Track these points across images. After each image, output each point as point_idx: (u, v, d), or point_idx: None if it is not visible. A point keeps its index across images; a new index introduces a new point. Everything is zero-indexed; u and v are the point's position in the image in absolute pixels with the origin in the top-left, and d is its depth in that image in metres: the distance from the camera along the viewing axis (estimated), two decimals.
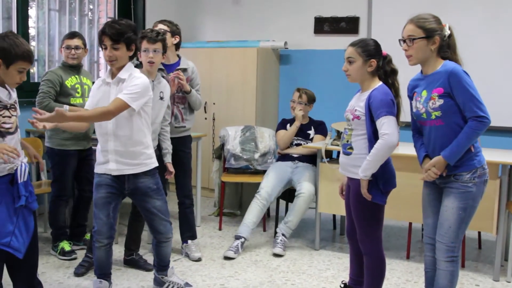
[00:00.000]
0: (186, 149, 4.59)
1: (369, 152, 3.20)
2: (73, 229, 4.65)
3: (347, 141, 3.35)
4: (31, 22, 5.64)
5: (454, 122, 3.03)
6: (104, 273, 3.61)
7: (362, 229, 3.36)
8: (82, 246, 4.63)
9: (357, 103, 3.31)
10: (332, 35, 6.53)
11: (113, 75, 3.43)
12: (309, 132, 5.28)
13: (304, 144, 5.16)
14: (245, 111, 6.43)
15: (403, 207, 4.34)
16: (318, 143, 4.93)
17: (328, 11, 6.54)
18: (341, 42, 6.44)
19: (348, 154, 3.35)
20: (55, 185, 4.49)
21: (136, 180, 3.48)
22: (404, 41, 3.12)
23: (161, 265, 3.81)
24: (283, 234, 4.76)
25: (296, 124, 5.20)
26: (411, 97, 3.26)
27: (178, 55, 4.55)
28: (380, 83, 3.29)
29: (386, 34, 5.99)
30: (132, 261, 4.30)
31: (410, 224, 4.70)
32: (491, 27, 5.60)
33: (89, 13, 6.48)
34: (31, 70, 5.60)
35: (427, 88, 3.10)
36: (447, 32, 3.08)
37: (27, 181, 3.02)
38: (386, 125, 3.14)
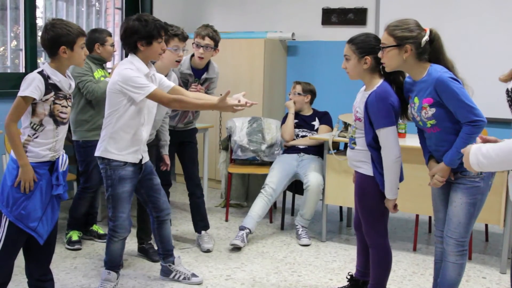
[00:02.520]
0: (194, 140, 4.64)
1: (369, 148, 3.21)
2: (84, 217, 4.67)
3: (352, 136, 3.36)
4: (39, 12, 5.64)
5: (451, 126, 2.98)
6: (114, 265, 3.63)
7: (367, 222, 3.36)
8: (89, 236, 4.67)
9: (359, 104, 3.27)
10: (340, 27, 6.50)
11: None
12: (313, 123, 5.28)
13: (310, 135, 5.16)
14: None
15: (410, 199, 4.33)
16: (325, 134, 4.92)
17: (336, 2, 6.50)
18: (349, 34, 6.37)
19: (352, 148, 3.36)
20: (82, 178, 4.51)
21: (146, 162, 3.61)
22: (381, 48, 3.05)
23: (166, 250, 3.85)
24: (302, 226, 4.81)
25: (291, 111, 5.25)
26: (407, 98, 3.20)
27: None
28: (381, 80, 3.20)
29: None
30: (143, 250, 4.34)
31: (417, 216, 4.68)
32: (501, 20, 5.57)
33: (97, 3, 6.47)
34: (39, 61, 5.60)
35: (418, 95, 3.03)
36: (425, 38, 2.95)
37: (65, 171, 3.08)
38: (384, 138, 3.12)
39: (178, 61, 4.04)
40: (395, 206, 3.24)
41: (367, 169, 3.25)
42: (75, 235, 4.49)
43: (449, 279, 3.15)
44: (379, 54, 3.05)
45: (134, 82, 3.28)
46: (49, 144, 2.97)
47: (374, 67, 3.20)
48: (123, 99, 3.33)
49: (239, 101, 3.43)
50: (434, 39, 2.99)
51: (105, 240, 4.56)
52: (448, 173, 3.04)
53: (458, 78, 2.96)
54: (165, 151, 4.30)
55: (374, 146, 3.18)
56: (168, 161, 4.32)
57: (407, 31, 2.96)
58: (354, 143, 3.33)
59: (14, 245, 2.99)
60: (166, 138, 4.30)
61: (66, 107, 3.02)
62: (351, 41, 3.25)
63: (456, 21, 5.63)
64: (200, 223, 4.64)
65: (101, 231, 4.69)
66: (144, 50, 3.38)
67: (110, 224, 3.53)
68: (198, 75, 4.50)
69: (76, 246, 4.44)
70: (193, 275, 3.88)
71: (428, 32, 2.97)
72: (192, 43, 4.46)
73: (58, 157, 3.03)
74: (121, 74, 3.32)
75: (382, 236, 3.35)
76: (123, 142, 3.41)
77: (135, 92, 3.28)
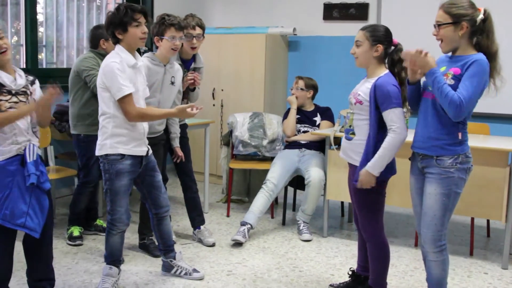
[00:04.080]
0: (186, 135, 4.61)
1: (368, 137, 3.21)
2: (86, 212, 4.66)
3: (350, 126, 3.36)
4: (39, 8, 5.63)
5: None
6: (115, 260, 3.62)
7: (363, 216, 3.37)
8: (93, 231, 4.68)
9: (361, 88, 3.30)
10: (341, 21, 6.48)
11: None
12: (315, 118, 5.27)
13: (311, 131, 5.15)
14: (253, 98, 6.41)
15: (410, 195, 4.32)
16: (327, 129, 4.92)
17: None
18: (351, 29, 6.46)
19: (349, 139, 3.35)
20: (82, 172, 4.50)
21: (148, 157, 3.62)
22: (434, 25, 3.07)
23: (167, 246, 3.85)
24: (304, 222, 4.81)
25: (293, 107, 5.24)
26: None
27: None
28: (386, 71, 3.27)
29: (396, 20, 5.99)
30: (144, 246, 4.35)
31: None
32: (501, 17, 5.54)
33: None
34: (39, 56, 5.60)
35: (448, 66, 3.05)
36: (480, 17, 2.99)
37: (37, 161, 3.06)
38: (395, 118, 3.13)
39: (174, 49, 4.01)
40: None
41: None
42: (76, 231, 4.49)
43: (435, 277, 3.16)
44: (433, 32, 3.07)
45: (117, 79, 3.32)
46: (9, 139, 2.97)
47: (382, 57, 3.27)
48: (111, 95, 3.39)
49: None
50: (487, 19, 3.02)
51: None
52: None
53: (497, 65, 3.00)
54: (176, 143, 4.34)
55: (376, 128, 3.18)
56: (180, 153, 4.36)
57: (463, 9, 2.99)
58: (353, 133, 3.33)
59: (3, 245, 3.03)
60: (176, 130, 4.32)
61: (17, 102, 3.01)
62: (366, 28, 3.30)
63: None
64: (198, 218, 4.64)
65: (105, 225, 4.68)
66: (124, 37, 3.41)
67: (108, 217, 3.55)
68: (186, 66, 4.49)
69: (78, 242, 4.44)
70: (195, 270, 3.88)
71: (482, 11, 3.01)
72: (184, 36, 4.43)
73: (25, 148, 3.02)
74: (105, 70, 3.36)
75: (378, 229, 3.36)
76: (122, 137, 3.42)
77: (114, 92, 3.34)
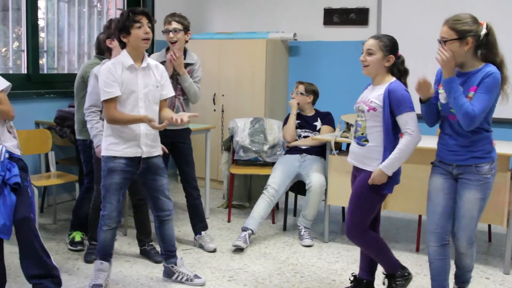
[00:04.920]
0: (187, 141, 4.57)
1: (385, 144, 3.27)
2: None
3: (362, 133, 3.39)
4: (40, 13, 5.64)
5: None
6: (105, 254, 3.69)
7: (355, 217, 3.44)
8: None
9: (372, 95, 3.35)
10: (341, 27, 6.48)
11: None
12: (315, 123, 5.26)
13: (312, 136, 5.14)
14: (254, 103, 6.41)
15: (412, 200, 4.32)
16: (327, 135, 4.91)
17: (338, 2, 6.49)
18: (351, 34, 6.48)
19: (363, 145, 3.38)
20: (86, 178, 4.48)
21: (150, 160, 3.63)
22: (439, 41, 3.16)
23: (168, 251, 3.86)
24: (305, 227, 4.81)
25: (293, 112, 5.23)
26: (437, 82, 3.32)
27: (184, 48, 4.54)
28: (394, 78, 3.34)
29: (396, 26, 5.99)
30: (144, 251, 4.36)
31: (420, 216, 4.67)
32: (503, 19, 5.55)
33: (98, 4, 6.47)
34: (40, 62, 5.60)
35: (463, 85, 3.13)
36: (483, 32, 3.08)
37: (3, 161, 3.11)
38: (411, 121, 3.24)
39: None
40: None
41: (376, 167, 3.31)
42: (78, 236, 4.49)
43: (468, 266, 3.41)
44: (438, 47, 3.15)
45: (102, 83, 3.45)
46: None
47: (392, 66, 3.36)
48: None
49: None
50: (490, 33, 3.11)
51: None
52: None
53: (505, 74, 3.12)
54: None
55: (391, 133, 3.27)
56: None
57: (468, 25, 3.08)
58: (366, 140, 3.37)
59: None
60: None
61: None
62: (379, 38, 3.36)
63: None
64: (199, 224, 4.63)
65: None
66: (128, 40, 3.50)
67: (101, 213, 3.63)
68: None
69: (79, 247, 4.44)
70: (196, 276, 3.87)
71: (485, 26, 3.10)
72: (163, 33, 4.45)
73: None
74: (100, 72, 3.54)
75: (362, 226, 3.44)
76: (112, 139, 3.53)
77: (101, 93, 3.47)
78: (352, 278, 3.72)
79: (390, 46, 3.32)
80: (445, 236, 3.30)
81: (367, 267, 3.61)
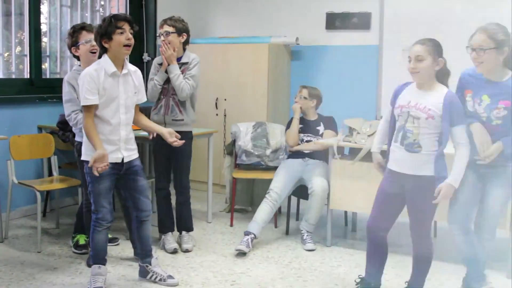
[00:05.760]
0: (184, 147, 4.31)
1: (439, 151, 3.23)
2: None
3: (414, 139, 3.29)
4: (43, 18, 5.66)
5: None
6: (101, 258, 3.73)
7: (426, 226, 3.44)
8: None
9: (428, 102, 3.26)
10: (344, 31, 6.49)
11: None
12: (318, 128, 5.25)
13: (315, 140, 5.14)
14: (256, 107, 6.42)
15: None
16: (330, 139, 4.91)
17: (340, 7, 6.50)
18: (353, 38, 6.48)
19: (415, 152, 3.30)
20: None
21: (131, 162, 3.68)
22: (473, 49, 3.18)
23: (144, 250, 3.91)
24: (307, 231, 4.80)
25: (296, 116, 5.22)
26: (462, 87, 3.40)
27: (184, 49, 4.56)
28: (442, 85, 3.29)
29: (399, 30, 6.00)
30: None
31: (435, 222, 4.65)
32: None
33: (101, 9, 6.49)
34: (43, 66, 5.61)
35: (491, 96, 3.19)
36: None
37: None
38: (465, 134, 3.27)
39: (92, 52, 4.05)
40: None
41: (432, 170, 3.27)
42: (82, 239, 4.49)
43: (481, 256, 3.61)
44: (474, 56, 3.22)
45: (84, 89, 3.46)
46: None
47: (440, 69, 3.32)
48: None
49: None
50: None
51: (114, 243, 4.59)
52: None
53: None
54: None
55: (446, 140, 3.25)
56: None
57: (505, 35, 3.15)
58: (419, 147, 3.29)
59: None
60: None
61: None
62: (425, 42, 3.26)
63: (460, 25, 5.62)
64: (180, 223, 4.72)
65: (109, 235, 4.68)
66: (109, 46, 3.52)
67: (93, 216, 3.65)
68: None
69: (83, 250, 4.44)
70: (169, 276, 3.90)
71: None
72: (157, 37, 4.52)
73: None
74: (79, 77, 3.54)
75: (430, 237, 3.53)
76: (90, 145, 3.51)
77: (81, 98, 3.48)
78: (358, 280, 3.71)
79: (439, 50, 3.25)
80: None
81: (377, 269, 3.63)
